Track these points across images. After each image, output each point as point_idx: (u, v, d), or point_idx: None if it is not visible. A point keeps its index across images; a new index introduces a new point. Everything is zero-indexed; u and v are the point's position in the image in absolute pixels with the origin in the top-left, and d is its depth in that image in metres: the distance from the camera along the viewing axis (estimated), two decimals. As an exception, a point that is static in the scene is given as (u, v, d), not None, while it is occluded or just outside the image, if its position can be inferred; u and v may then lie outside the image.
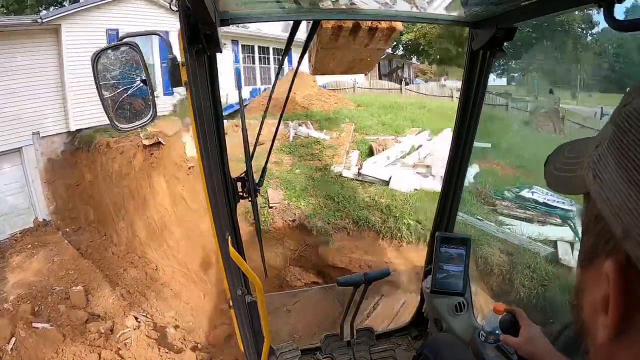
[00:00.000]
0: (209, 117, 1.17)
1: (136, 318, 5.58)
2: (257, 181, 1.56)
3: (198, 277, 5.97)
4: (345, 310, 2.04)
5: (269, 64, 13.83)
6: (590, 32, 16.92)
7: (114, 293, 6.01)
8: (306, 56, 1.64)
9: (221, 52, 1.11)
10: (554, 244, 5.06)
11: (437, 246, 1.66)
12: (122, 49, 1.08)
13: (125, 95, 1.10)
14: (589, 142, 0.42)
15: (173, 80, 1.02)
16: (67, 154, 8.50)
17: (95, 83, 1.07)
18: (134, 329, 5.34)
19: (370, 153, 7.18)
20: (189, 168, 6.25)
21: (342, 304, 3.97)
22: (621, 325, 0.32)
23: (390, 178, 6.16)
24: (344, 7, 1.31)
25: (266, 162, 1.69)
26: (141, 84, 1.09)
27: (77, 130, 8.59)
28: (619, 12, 0.89)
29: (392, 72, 21.41)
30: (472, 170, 6.83)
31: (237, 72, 12.38)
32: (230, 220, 1.44)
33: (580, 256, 0.40)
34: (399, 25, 1.49)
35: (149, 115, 1.12)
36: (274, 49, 13.86)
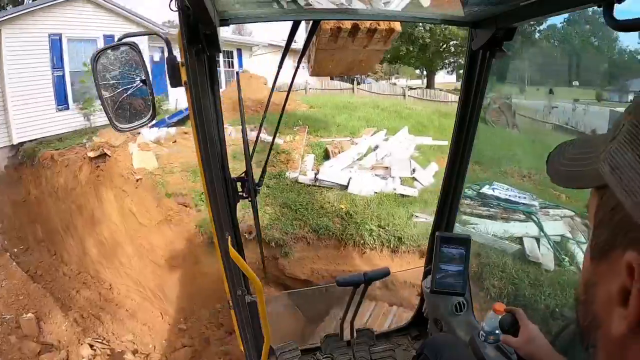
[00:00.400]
0: (208, 117, 1.17)
1: (91, 346, 5.25)
2: (256, 181, 1.56)
3: (154, 295, 5.74)
4: (345, 310, 2.04)
5: (233, 67, 13.93)
6: (537, 27, 17.07)
7: (67, 318, 5.65)
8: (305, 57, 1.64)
9: (220, 52, 1.12)
10: (519, 240, 5.03)
11: (437, 246, 1.66)
12: (122, 49, 1.08)
13: (125, 95, 1.10)
14: (597, 137, 0.43)
15: (172, 80, 1.02)
16: (10, 169, 7.98)
17: (95, 83, 1.07)
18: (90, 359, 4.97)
19: (326, 156, 6.84)
20: (137, 180, 5.99)
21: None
22: None
23: (348, 182, 5.93)
24: (343, 7, 1.31)
25: (266, 163, 1.70)
26: (140, 84, 1.09)
27: (20, 143, 8.06)
28: (619, 12, 0.89)
29: (343, 72, 21.44)
30: (431, 169, 6.81)
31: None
32: (230, 220, 1.44)
33: (592, 250, 0.40)
34: (397, 26, 1.49)
35: (149, 116, 1.12)
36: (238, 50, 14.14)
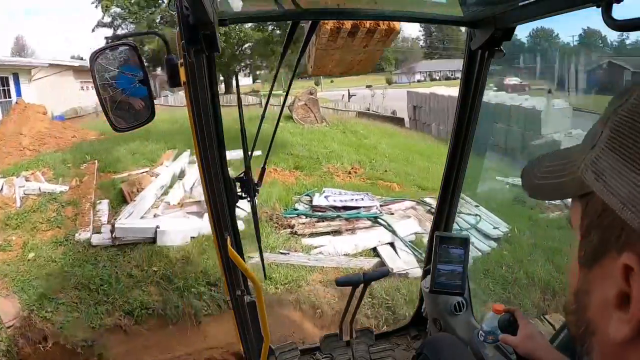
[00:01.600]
0: (207, 117, 1.17)
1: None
2: (256, 181, 1.56)
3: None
4: (345, 310, 2.04)
5: (9, 97, 11.54)
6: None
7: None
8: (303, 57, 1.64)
9: (219, 52, 1.12)
10: (375, 251, 4.53)
11: (436, 246, 1.66)
12: (120, 49, 1.08)
13: (124, 95, 1.10)
14: (571, 149, 0.44)
15: (171, 80, 1.03)
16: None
17: (94, 83, 1.07)
18: None
19: (124, 200, 5.28)
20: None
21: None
22: None
23: (155, 232, 4.42)
24: (343, 7, 1.31)
25: (265, 163, 1.70)
26: (139, 84, 1.09)
27: None
28: (618, 12, 0.89)
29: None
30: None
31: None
32: (229, 220, 1.44)
33: (581, 258, 0.40)
34: (397, 26, 1.49)
35: (148, 116, 1.12)
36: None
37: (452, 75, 38.53)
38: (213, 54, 1.17)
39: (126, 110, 1.12)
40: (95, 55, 1.06)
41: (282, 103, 1.94)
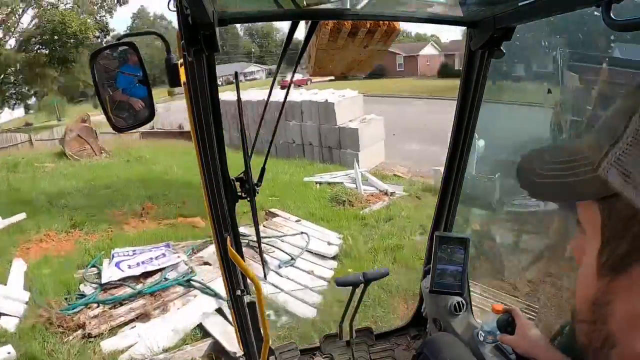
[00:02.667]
0: (207, 117, 1.18)
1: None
2: (255, 181, 1.56)
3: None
4: (344, 310, 2.04)
5: None
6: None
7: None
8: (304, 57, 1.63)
9: (219, 52, 1.12)
10: (202, 329, 3.38)
11: (436, 246, 1.66)
12: (120, 48, 1.08)
13: (124, 95, 1.10)
14: (581, 143, 0.39)
15: (171, 80, 1.03)
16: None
17: (94, 83, 1.07)
18: None
19: None
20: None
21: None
22: None
23: None
24: (343, 8, 1.31)
25: (264, 162, 1.70)
26: (139, 84, 1.09)
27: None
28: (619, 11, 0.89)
29: None
30: (19, 270, 4.23)
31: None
32: (229, 220, 1.44)
33: (603, 266, 0.36)
34: (398, 26, 1.49)
35: (148, 116, 1.12)
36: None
37: (233, 79, 37.91)
38: (213, 54, 1.17)
39: (126, 110, 1.12)
40: (95, 55, 1.06)
41: (283, 101, 1.93)
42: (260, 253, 1.88)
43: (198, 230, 5.45)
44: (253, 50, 49.15)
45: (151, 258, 4.30)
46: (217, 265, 4.01)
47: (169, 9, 0.94)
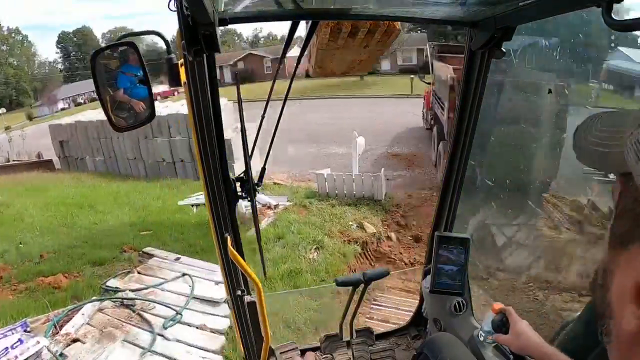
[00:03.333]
0: (208, 117, 1.18)
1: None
2: (256, 181, 1.56)
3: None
4: (345, 310, 2.04)
5: None
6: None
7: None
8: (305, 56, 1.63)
9: (220, 52, 1.12)
10: None
11: (436, 246, 1.66)
12: (121, 48, 1.08)
13: (124, 95, 1.10)
14: (624, 116, 0.40)
15: (171, 80, 1.03)
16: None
17: (94, 83, 1.07)
18: None
19: None
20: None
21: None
22: None
23: None
24: (343, 7, 1.31)
25: (265, 162, 1.70)
26: (140, 84, 1.09)
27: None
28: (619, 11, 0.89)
29: None
30: None
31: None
32: (230, 220, 1.44)
33: (611, 237, 0.37)
34: (397, 26, 1.49)
35: (148, 116, 1.12)
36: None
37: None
38: (213, 54, 1.17)
39: (126, 110, 1.12)
40: (95, 55, 1.06)
41: (284, 98, 1.92)
42: (261, 252, 1.88)
43: (60, 293, 4.25)
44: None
45: (6, 348, 3.08)
46: (92, 338, 3.32)
47: (170, 9, 0.94)
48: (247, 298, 1.53)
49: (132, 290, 4.08)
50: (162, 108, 9.95)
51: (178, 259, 4.88)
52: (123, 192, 8.30)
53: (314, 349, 2.10)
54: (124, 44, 1.07)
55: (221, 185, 1.33)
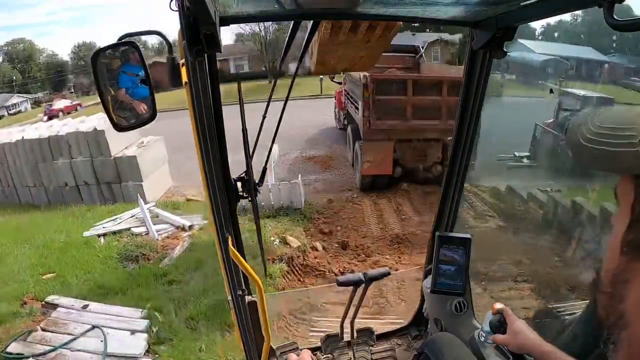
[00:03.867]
0: (209, 117, 1.18)
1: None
2: (257, 181, 1.56)
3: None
4: (345, 310, 2.04)
5: None
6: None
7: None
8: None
9: (221, 51, 1.12)
10: None
11: (437, 246, 1.66)
12: (122, 48, 1.08)
13: (125, 95, 1.10)
14: (625, 112, 0.37)
15: (172, 80, 1.03)
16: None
17: (95, 82, 1.07)
18: None
19: None
20: None
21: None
22: None
23: None
24: (344, 7, 1.31)
25: (266, 162, 1.70)
26: (141, 84, 1.09)
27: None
28: (619, 11, 0.89)
29: None
30: None
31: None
32: (230, 220, 1.44)
33: (626, 243, 0.35)
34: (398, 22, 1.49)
35: (149, 115, 1.12)
36: None
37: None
38: (214, 54, 1.17)
39: (128, 109, 1.12)
40: (96, 55, 1.06)
41: (285, 98, 1.92)
42: (262, 252, 1.88)
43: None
44: (14, 77, 39.71)
45: None
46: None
47: (171, 9, 0.94)
48: (247, 298, 1.53)
49: (36, 356, 3.41)
50: (62, 126, 8.89)
51: (86, 306, 4.25)
52: (24, 227, 7.15)
53: (314, 349, 2.10)
54: (125, 43, 1.07)
55: (222, 185, 1.33)
